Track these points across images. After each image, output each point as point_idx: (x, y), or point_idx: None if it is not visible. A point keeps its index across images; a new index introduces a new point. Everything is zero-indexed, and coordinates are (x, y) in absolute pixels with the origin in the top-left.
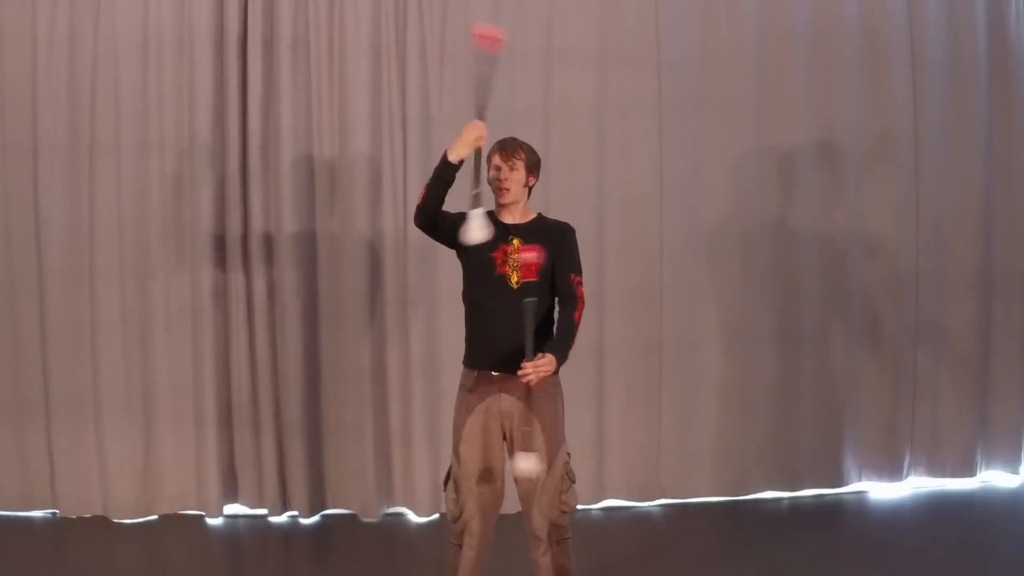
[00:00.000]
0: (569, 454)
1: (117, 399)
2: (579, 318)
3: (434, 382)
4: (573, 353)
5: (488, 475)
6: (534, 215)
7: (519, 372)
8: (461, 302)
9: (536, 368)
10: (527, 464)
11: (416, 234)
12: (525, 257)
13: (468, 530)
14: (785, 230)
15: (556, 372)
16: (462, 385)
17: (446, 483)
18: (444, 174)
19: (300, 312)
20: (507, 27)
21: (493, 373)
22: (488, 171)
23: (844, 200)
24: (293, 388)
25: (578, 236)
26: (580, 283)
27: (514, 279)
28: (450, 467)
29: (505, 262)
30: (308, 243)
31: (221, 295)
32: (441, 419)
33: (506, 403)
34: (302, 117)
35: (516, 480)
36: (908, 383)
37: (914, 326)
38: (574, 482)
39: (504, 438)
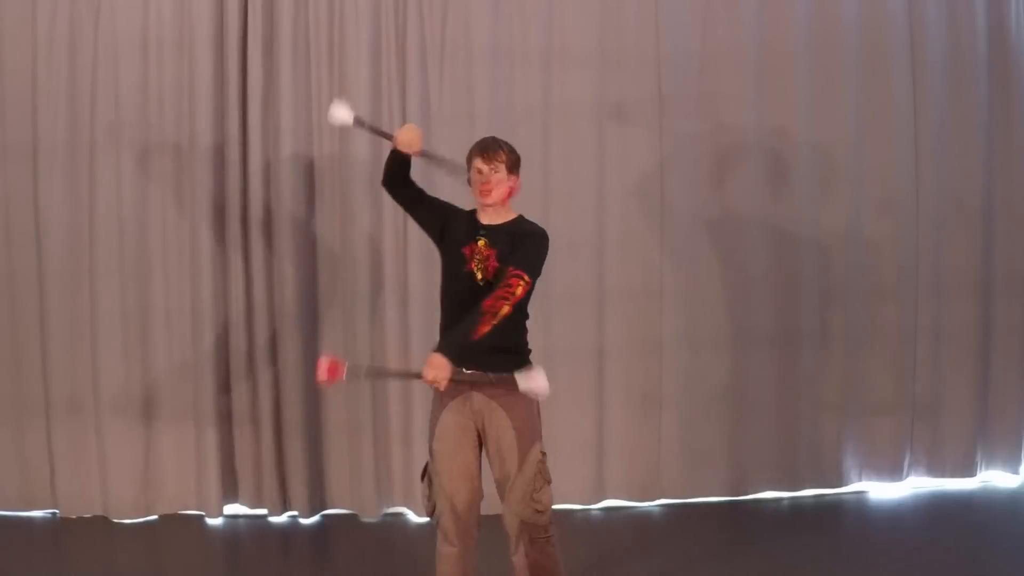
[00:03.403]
0: (544, 453)
1: (117, 399)
2: (494, 306)
3: None
4: (573, 353)
5: (462, 473)
6: (513, 216)
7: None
8: None
9: (433, 377)
10: (531, 383)
11: (416, 234)
12: (490, 260)
13: (441, 526)
14: (785, 230)
15: (452, 360)
16: None
17: (423, 478)
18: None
19: (300, 312)
20: (507, 27)
21: (464, 371)
22: (469, 172)
23: (844, 200)
24: (293, 388)
25: (578, 236)
26: (519, 277)
27: (479, 276)
28: (427, 463)
29: (472, 258)
30: (308, 243)
31: (221, 295)
32: None
33: (477, 401)
34: (302, 117)
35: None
36: (908, 383)
37: (914, 326)
38: (549, 482)
39: (479, 436)
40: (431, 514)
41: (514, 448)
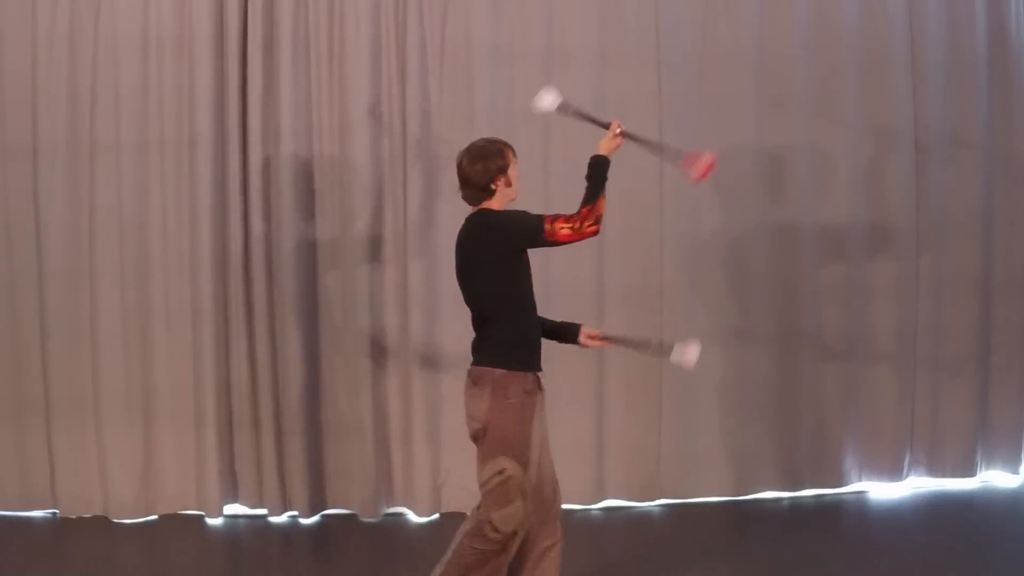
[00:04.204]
0: None
1: (117, 399)
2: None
3: (434, 382)
4: (574, 353)
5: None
6: None
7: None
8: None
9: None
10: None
11: (416, 234)
12: None
13: (520, 534)
14: (785, 230)
15: None
16: (523, 391)
17: (511, 498)
18: (606, 175)
19: (300, 312)
20: (507, 27)
21: (540, 373)
22: (507, 173)
23: (844, 200)
24: (293, 388)
25: None
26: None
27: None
28: (508, 478)
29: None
30: (308, 243)
31: (221, 295)
32: (441, 419)
33: (542, 400)
34: (302, 117)
35: None
36: (908, 383)
37: (914, 326)
38: None
39: None
40: (515, 531)
41: (547, 434)
